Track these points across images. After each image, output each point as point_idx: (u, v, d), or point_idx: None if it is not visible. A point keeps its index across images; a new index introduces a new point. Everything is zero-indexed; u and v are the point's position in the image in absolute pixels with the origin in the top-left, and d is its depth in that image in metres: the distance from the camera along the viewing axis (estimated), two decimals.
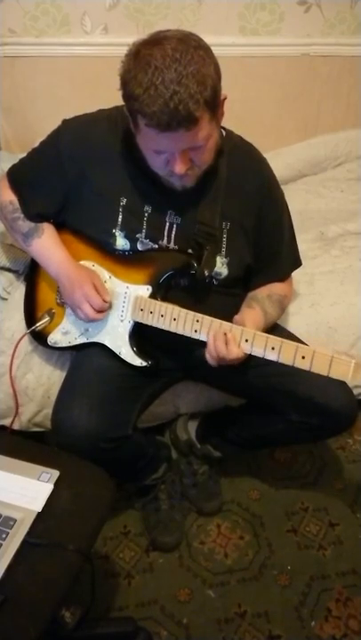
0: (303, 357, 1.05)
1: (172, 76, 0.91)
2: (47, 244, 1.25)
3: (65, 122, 1.22)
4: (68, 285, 1.20)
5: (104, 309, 1.19)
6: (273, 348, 1.07)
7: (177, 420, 1.62)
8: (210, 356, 1.11)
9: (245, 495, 1.59)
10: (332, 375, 1.03)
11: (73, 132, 1.19)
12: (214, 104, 0.98)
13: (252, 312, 1.22)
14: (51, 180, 1.21)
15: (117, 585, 1.38)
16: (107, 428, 1.17)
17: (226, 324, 1.11)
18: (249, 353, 1.10)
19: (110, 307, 1.21)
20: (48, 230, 1.26)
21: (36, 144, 1.27)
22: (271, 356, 1.07)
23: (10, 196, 1.26)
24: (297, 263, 1.36)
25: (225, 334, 1.09)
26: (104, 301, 1.18)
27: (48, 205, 1.24)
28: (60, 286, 1.24)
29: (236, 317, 1.15)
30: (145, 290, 1.19)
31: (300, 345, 1.06)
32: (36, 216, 1.25)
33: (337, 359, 1.02)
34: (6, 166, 1.31)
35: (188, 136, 0.97)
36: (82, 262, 1.25)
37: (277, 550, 1.46)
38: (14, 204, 1.26)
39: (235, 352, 1.08)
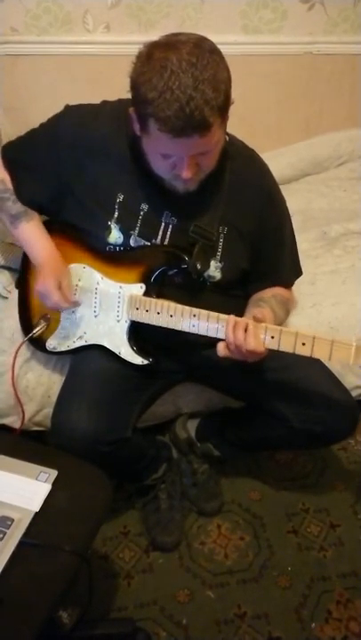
0: (303, 344, 1.04)
1: (188, 81, 0.89)
2: (35, 231, 1.24)
3: (67, 107, 1.20)
4: (48, 271, 1.19)
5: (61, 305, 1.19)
6: (273, 337, 1.06)
7: (177, 419, 1.61)
8: (223, 346, 1.08)
9: (246, 496, 1.58)
10: (333, 360, 1.02)
11: (74, 120, 1.17)
12: (226, 109, 0.97)
13: (263, 311, 1.20)
14: (46, 165, 1.19)
15: (117, 585, 1.37)
16: (105, 430, 1.16)
17: (226, 317, 1.09)
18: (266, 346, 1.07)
19: (79, 303, 1.23)
20: (37, 218, 1.25)
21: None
22: (271, 345, 1.06)
23: (1, 174, 1.23)
24: (298, 272, 1.35)
25: (247, 324, 1.06)
26: (66, 300, 1.18)
27: (42, 191, 1.22)
28: (39, 271, 1.22)
29: (251, 314, 1.13)
30: (138, 288, 1.18)
31: (299, 332, 1.05)
32: (29, 202, 1.23)
33: (338, 343, 1.02)
34: None
35: (201, 142, 0.96)
36: (73, 265, 1.24)
37: (278, 551, 1.45)
38: (5, 184, 1.23)
39: (253, 343, 1.05)
